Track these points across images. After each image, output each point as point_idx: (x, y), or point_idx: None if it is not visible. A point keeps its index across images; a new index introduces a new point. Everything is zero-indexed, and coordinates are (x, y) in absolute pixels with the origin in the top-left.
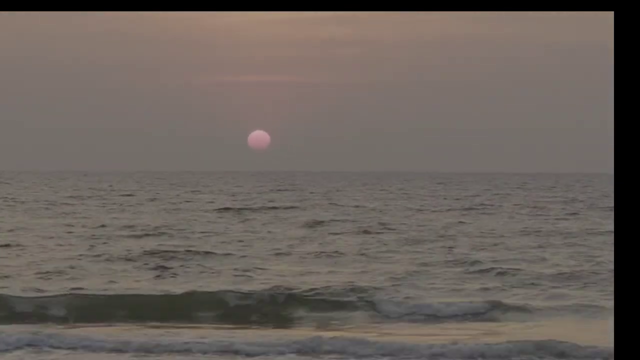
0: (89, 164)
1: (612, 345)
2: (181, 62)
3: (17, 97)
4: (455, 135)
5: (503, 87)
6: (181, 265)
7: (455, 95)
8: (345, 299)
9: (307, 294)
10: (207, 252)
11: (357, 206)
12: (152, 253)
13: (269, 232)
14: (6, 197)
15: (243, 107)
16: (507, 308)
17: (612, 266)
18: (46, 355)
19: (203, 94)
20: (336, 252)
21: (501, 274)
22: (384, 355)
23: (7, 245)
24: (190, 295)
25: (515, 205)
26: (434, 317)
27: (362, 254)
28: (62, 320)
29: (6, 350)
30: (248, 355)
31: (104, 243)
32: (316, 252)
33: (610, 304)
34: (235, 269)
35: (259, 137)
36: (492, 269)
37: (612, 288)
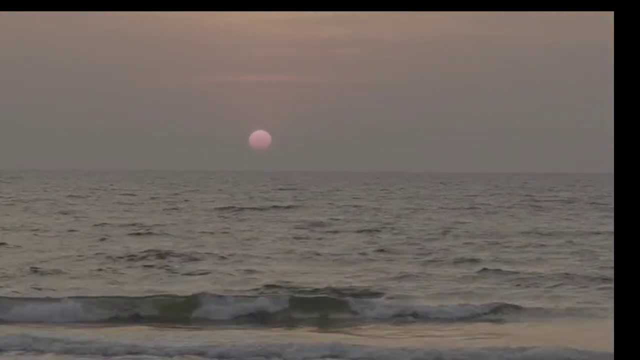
0: (89, 163)
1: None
2: (181, 62)
3: (17, 97)
4: (456, 135)
5: (503, 87)
6: (166, 267)
7: (456, 95)
8: (341, 299)
9: (299, 295)
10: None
11: (356, 206)
12: (145, 253)
13: (261, 231)
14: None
15: (243, 107)
16: (508, 310)
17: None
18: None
19: (203, 93)
20: (329, 253)
21: (499, 274)
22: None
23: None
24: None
25: (516, 205)
26: (429, 319)
27: (361, 254)
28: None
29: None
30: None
31: (101, 240)
32: (311, 253)
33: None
34: (219, 270)
35: (260, 137)
36: (491, 269)
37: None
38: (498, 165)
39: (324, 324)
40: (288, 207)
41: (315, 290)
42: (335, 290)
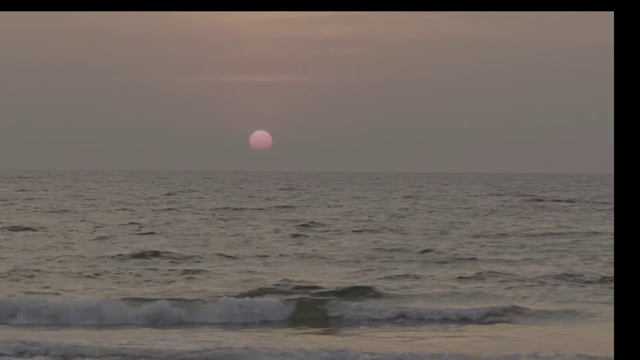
0: (90, 163)
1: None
2: (181, 62)
3: (16, 96)
4: (456, 136)
5: (503, 86)
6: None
7: (456, 95)
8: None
9: (291, 296)
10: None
11: (354, 208)
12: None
13: (260, 231)
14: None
15: (244, 107)
16: (513, 312)
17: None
18: None
19: (204, 93)
20: (319, 253)
21: (500, 275)
22: None
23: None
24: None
25: (516, 205)
26: (423, 321)
27: (359, 254)
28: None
29: None
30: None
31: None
32: (304, 253)
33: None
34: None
35: (261, 137)
36: (492, 270)
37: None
38: (498, 165)
39: (322, 325)
40: (287, 207)
41: (312, 291)
42: (332, 292)
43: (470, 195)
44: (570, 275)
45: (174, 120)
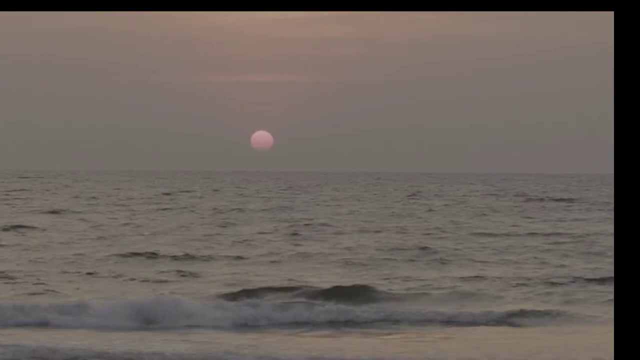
0: (90, 163)
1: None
2: (182, 62)
3: (15, 96)
4: (456, 136)
5: (503, 86)
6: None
7: (456, 95)
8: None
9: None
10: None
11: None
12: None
13: (257, 232)
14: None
15: (245, 107)
16: (518, 314)
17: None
18: None
19: (204, 93)
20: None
21: (500, 276)
22: None
23: None
24: None
25: (517, 205)
26: (423, 322)
27: (356, 254)
28: None
29: None
30: None
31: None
32: (302, 253)
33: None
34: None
35: (262, 137)
36: (492, 271)
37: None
38: (498, 165)
39: (320, 328)
40: (285, 207)
41: (310, 292)
42: (332, 293)
43: (470, 195)
44: (575, 277)
45: (174, 120)
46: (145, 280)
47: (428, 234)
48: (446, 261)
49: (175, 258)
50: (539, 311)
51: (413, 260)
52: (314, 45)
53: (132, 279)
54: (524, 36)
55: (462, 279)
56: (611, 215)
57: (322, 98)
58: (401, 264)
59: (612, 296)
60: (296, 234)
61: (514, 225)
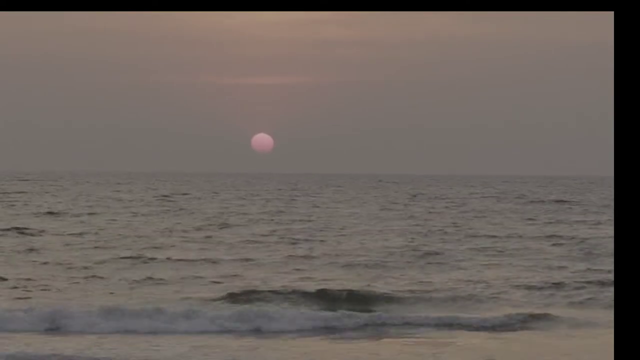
0: (90, 164)
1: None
2: (183, 63)
3: (14, 96)
4: (456, 136)
5: (503, 86)
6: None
7: (456, 95)
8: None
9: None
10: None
11: (352, 212)
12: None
13: (256, 234)
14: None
15: (244, 108)
16: (529, 318)
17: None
18: None
19: (204, 94)
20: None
21: (501, 277)
22: None
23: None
24: None
25: (518, 208)
26: (424, 326)
27: (356, 257)
28: None
29: None
30: None
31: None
32: (302, 255)
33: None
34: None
35: (262, 140)
36: (492, 272)
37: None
38: (498, 165)
39: (320, 332)
40: (285, 209)
41: (310, 295)
42: (332, 295)
43: (471, 197)
44: (576, 280)
45: (174, 121)
46: (135, 283)
47: (428, 236)
48: (447, 264)
49: (174, 261)
50: (539, 314)
51: (414, 264)
52: (314, 45)
53: (118, 282)
54: (524, 36)
55: (463, 281)
56: (611, 218)
57: (322, 98)
58: (401, 266)
59: (612, 299)
60: (295, 240)
61: (514, 228)
